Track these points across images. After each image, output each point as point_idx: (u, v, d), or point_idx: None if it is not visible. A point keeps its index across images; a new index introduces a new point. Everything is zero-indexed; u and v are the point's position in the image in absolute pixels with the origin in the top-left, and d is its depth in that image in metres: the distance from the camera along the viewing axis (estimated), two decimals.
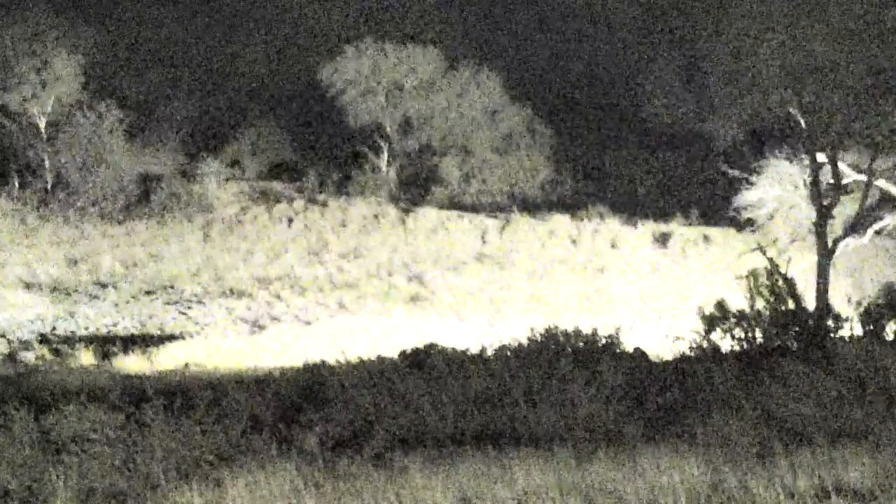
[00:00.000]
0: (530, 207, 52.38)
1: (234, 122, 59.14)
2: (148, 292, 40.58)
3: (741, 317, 17.98)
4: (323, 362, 17.40)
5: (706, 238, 48.89)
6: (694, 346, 17.72)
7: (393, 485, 8.04)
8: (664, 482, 7.47)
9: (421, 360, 15.96)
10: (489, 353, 16.09)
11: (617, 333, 16.67)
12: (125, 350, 30.43)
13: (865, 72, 26.77)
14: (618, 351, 16.34)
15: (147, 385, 13.41)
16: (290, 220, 50.02)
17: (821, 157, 29.17)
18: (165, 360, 29.00)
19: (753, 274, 19.51)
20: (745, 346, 17.57)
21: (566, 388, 13.12)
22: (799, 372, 12.39)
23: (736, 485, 7.36)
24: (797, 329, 18.10)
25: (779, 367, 13.50)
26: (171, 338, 32.92)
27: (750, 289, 18.99)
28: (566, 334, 16.32)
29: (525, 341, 16.33)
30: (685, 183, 55.00)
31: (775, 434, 10.19)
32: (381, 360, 16.48)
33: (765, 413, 11.67)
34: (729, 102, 27.82)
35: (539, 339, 16.41)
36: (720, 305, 18.28)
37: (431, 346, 17.19)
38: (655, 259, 47.73)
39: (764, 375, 13.66)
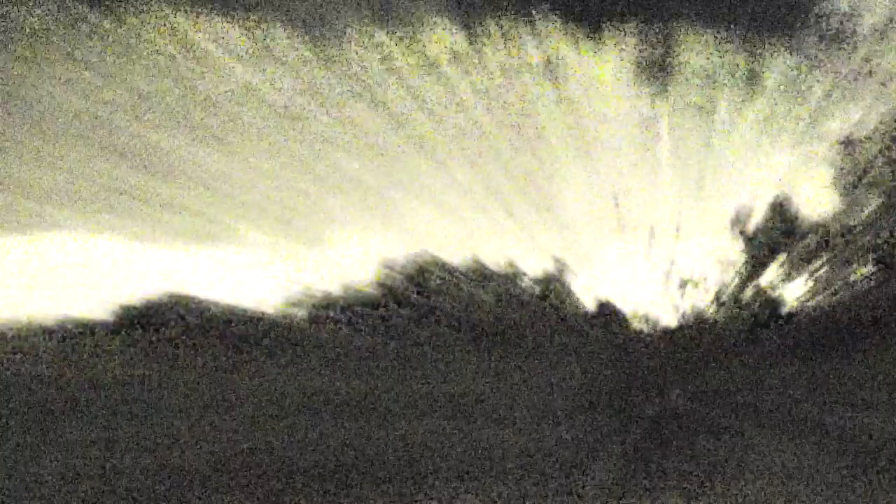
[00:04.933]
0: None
1: None
2: None
3: (826, 237, 14.59)
4: None
5: (752, 73, 44.64)
6: (725, 299, 14.38)
7: None
8: None
9: (156, 324, 15.38)
10: (297, 314, 14.73)
11: (561, 273, 14.38)
12: None
13: None
14: (566, 309, 14.34)
15: None
16: None
17: None
18: None
19: (849, 144, 15.31)
20: (833, 297, 14.48)
21: (454, 380, 12.62)
22: None
23: None
24: None
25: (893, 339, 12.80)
26: None
27: (842, 178, 14.93)
28: (447, 272, 14.52)
29: (374, 290, 14.89)
30: None
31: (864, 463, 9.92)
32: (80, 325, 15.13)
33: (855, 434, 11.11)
34: None
35: (399, 284, 14.90)
36: (780, 213, 14.85)
37: (174, 302, 15.87)
38: (643, 112, 43.66)
39: (870, 355, 12.80)
